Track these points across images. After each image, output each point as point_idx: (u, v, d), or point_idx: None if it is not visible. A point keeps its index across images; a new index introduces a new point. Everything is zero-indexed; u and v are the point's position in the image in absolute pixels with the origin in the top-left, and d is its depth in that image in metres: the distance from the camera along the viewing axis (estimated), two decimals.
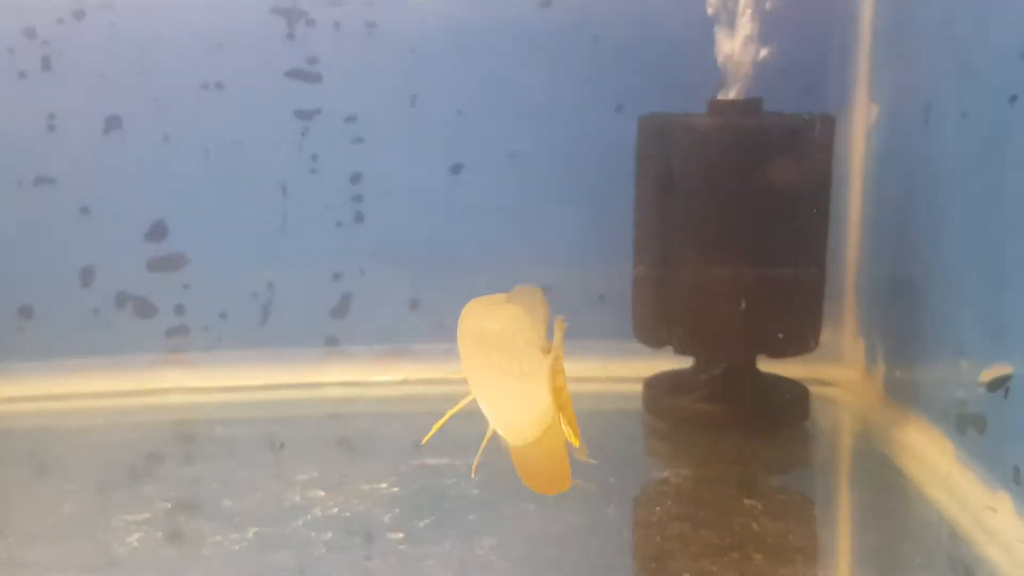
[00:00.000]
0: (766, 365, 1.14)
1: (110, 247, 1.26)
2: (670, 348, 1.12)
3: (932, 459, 1.01)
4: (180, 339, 1.29)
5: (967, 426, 0.96)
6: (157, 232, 1.27)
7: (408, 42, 1.26)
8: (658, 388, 1.16)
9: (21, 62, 1.22)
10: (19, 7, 1.21)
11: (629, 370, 1.23)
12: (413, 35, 1.26)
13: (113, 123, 1.24)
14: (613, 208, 1.22)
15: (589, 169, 1.28)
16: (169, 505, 0.95)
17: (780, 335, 1.05)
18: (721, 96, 1.11)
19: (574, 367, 1.23)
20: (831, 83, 1.27)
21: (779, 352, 1.08)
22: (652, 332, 1.12)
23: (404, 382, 1.30)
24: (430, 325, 1.31)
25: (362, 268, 1.30)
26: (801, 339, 1.08)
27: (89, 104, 1.24)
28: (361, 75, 1.26)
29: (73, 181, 1.25)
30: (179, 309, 1.29)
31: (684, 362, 1.17)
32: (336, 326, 1.31)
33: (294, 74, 1.26)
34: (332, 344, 1.31)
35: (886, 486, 0.99)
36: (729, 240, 1.06)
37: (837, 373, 1.27)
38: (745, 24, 1.10)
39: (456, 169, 1.29)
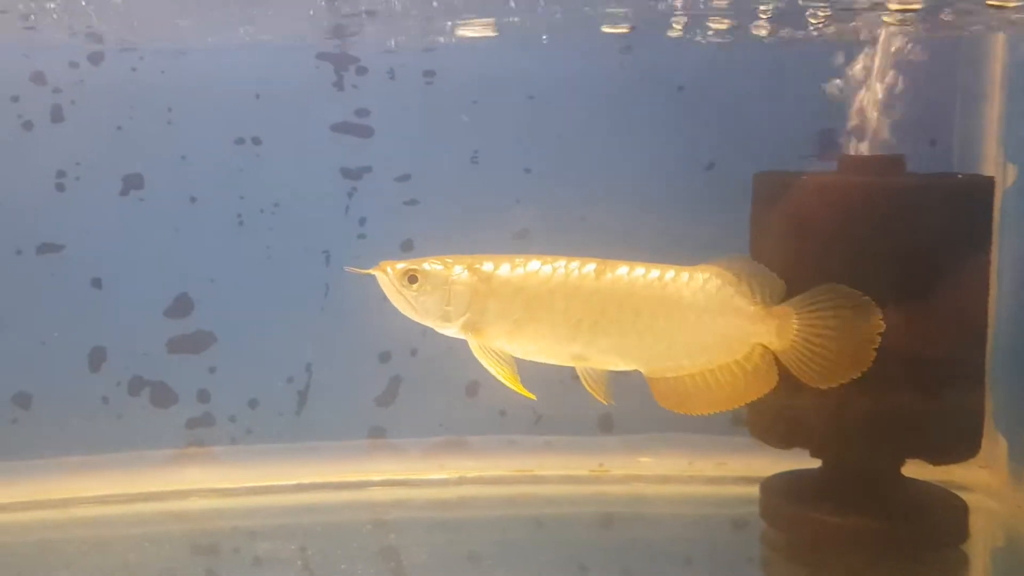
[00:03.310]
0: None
1: (125, 325, 1.13)
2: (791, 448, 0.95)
3: None
4: (203, 431, 1.15)
5: None
6: (180, 307, 1.14)
7: (471, 92, 1.14)
8: (778, 494, 0.98)
9: (27, 111, 1.09)
10: (27, 48, 1.08)
11: (743, 468, 1.08)
12: (476, 85, 1.14)
13: (133, 182, 1.12)
14: None
15: (674, 237, 1.13)
16: None
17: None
18: (850, 152, 0.96)
19: (673, 464, 1.14)
20: (955, 140, 1.14)
21: (937, 456, 0.91)
22: (769, 428, 0.95)
23: (460, 481, 1.16)
24: (490, 414, 1.17)
25: (413, 348, 1.16)
26: (962, 440, 0.91)
27: (105, 160, 1.11)
28: (417, 129, 1.15)
29: (84, 249, 1.12)
30: (203, 396, 1.15)
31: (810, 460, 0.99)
32: (383, 415, 1.17)
33: (341, 128, 1.14)
34: (377, 435, 1.17)
35: None
36: None
37: (971, 476, 1.09)
38: (877, 77, 0.97)
39: (522, 235, 1.15)
